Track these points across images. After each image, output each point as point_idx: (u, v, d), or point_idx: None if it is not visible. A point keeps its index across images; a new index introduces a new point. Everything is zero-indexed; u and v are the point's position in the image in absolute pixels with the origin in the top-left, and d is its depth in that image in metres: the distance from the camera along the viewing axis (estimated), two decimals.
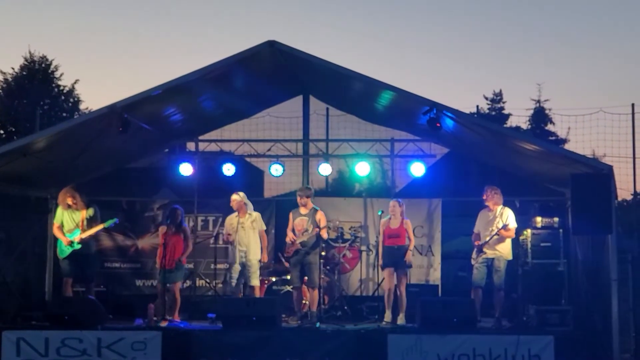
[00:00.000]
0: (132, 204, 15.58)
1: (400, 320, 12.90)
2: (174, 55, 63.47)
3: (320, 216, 13.14)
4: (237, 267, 13.16)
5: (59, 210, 13.18)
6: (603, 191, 11.47)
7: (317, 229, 12.99)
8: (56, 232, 13.13)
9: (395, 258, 13.06)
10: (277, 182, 16.35)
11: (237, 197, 13.28)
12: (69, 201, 13.04)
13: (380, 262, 13.35)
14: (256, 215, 13.37)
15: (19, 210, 13.95)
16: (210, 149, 15.54)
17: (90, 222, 13.09)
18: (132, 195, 15.72)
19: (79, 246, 12.95)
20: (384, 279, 13.40)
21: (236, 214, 13.28)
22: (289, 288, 13.68)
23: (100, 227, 13.14)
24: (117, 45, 59.21)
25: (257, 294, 13.23)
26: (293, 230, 13.15)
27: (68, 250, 12.97)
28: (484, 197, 13.00)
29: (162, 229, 13.16)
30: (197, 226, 15.25)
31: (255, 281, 13.20)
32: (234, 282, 13.21)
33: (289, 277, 13.65)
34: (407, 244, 13.11)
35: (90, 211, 13.15)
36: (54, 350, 11.48)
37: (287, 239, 13.16)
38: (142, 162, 16.25)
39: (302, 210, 13.21)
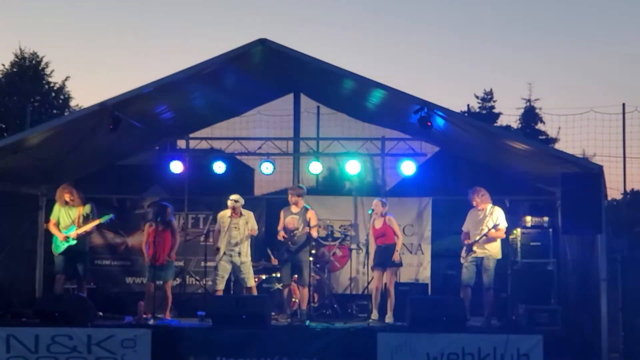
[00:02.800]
0: (122, 202, 15.56)
1: (389, 318, 12.93)
2: (165, 53, 63.40)
3: (310, 215, 13.18)
4: (225, 266, 13.15)
5: (56, 207, 13.15)
6: (593, 191, 11.51)
7: (308, 228, 13.02)
8: (52, 228, 13.09)
9: (384, 257, 13.10)
10: (268, 180, 16.38)
11: (231, 203, 13.18)
12: (67, 197, 13.02)
13: (371, 262, 13.36)
14: (249, 214, 13.36)
15: (9, 207, 13.94)
16: (201, 146, 15.53)
17: (87, 219, 13.07)
18: (123, 192, 15.69)
19: (75, 242, 12.94)
20: (372, 278, 13.45)
21: (229, 212, 13.25)
22: (278, 286, 13.68)
23: (96, 222, 13.13)
24: (108, 42, 59.11)
25: (255, 293, 13.23)
26: (284, 229, 13.17)
27: (63, 246, 12.95)
28: (472, 201, 12.99)
29: (149, 226, 13.19)
30: (187, 224, 15.24)
31: (251, 282, 13.21)
32: (219, 282, 13.17)
33: (279, 274, 13.65)
34: (395, 242, 13.14)
35: (87, 208, 13.14)
36: (44, 347, 11.44)
37: (279, 237, 13.18)
38: (132, 159, 16.19)
39: (293, 209, 13.25)
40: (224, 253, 13.08)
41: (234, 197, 13.22)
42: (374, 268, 13.24)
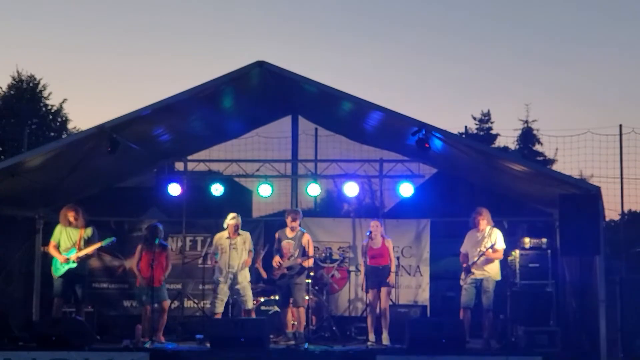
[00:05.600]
0: (120, 224, 15.50)
1: (385, 339, 12.86)
2: (163, 75, 63.54)
3: (307, 240, 13.16)
4: (224, 289, 13.10)
5: (57, 229, 13.07)
6: (591, 212, 11.50)
7: (301, 259, 12.99)
8: (52, 250, 12.99)
9: (379, 278, 13.04)
10: (266, 203, 16.36)
11: (235, 221, 13.19)
12: (71, 217, 12.95)
13: (363, 283, 13.30)
14: (246, 235, 13.33)
15: (6, 230, 13.89)
16: (199, 169, 15.53)
17: (88, 242, 12.99)
18: (121, 215, 15.64)
19: (75, 265, 12.86)
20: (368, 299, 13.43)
21: (227, 234, 13.21)
22: (277, 308, 13.64)
23: (97, 245, 13.05)
24: (105, 64, 59.26)
25: (254, 316, 13.19)
26: (279, 253, 13.14)
27: (63, 269, 12.85)
28: (475, 221, 12.94)
29: (141, 247, 13.12)
30: (185, 246, 15.20)
31: (250, 304, 13.18)
32: (218, 305, 13.13)
33: (277, 297, 13.61)
34: (389, 263, 13.12)
35: (89, 231, 13.07)
36: None
37: (274, 263, 13.15)
38: (130, 182, 16.18)
39: (289, 233, 13.21)
40: (224, 276, 13.04)
41: (232, 214, 13.21)
42: (370, 289, 13.17)
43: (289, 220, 13.26)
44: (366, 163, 15.28)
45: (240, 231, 13.24)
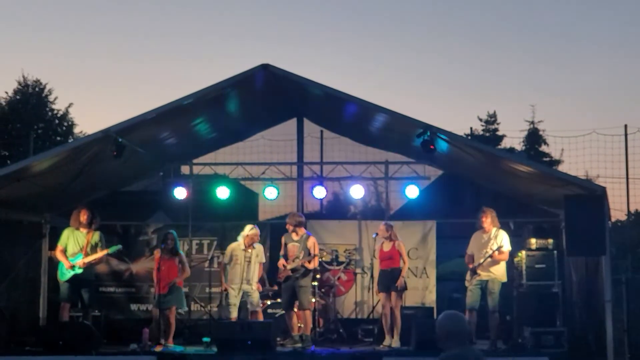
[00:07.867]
0: (126, 228, 15.52)
1: (395, 342, 12.85)
2: (168, 79, 63.52)
3: (312, 243, 13.13)
4: (237, 296, 13.16)
5: (65, 233, 13.08)
6: (597, 213, 11.49)
7: (305, 260, 12.96)
8: (59, 255, 12.99)
9: (389, 281, 13.03)
10: (272, 205, 16.35)
11: (255, 231, 13.27)
12: (83, 217, 12.95)
13: (376, 286, 13.31)
14: (259, 248, 13.39)
15: (13, 235, 13.90)
16: (205, 172, 15.54)
17: (95, 248, 12.99)
18: (127, 219, 15.66)
19: (81, 270, 12.86)
20: (378, 301, 13.42)
21: (242, 245, 13.25)
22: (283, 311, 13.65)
23: (104, 252, 13.06)
24: (111, 69, 59.24)
25: (260, 318, 13.22)
26: (285, 256, 13.15)
27: (69, 274, 12.85)
28: (482, 218, 12.91)
29: (157, 252, 13.16)
30: (191, 250, 15.21)
31: (257, 307, 13.23)
32: (232, 310, 13.17)
33: None
34: (401, 267, 13.09)
35: (96, 236, 13.07)
36: None
37: (279, 264, 13.17)
38: (136, 185, 16.22)
39: (294, 236, 13.19)
40: (236, 286, 13.09)
41: (251, 226, 13.30)
42: (380, 292, 13.19)
43: (287, 226, 13.28)
44: (372, 165, 15.30)
45: (254, 244, 13.30)
